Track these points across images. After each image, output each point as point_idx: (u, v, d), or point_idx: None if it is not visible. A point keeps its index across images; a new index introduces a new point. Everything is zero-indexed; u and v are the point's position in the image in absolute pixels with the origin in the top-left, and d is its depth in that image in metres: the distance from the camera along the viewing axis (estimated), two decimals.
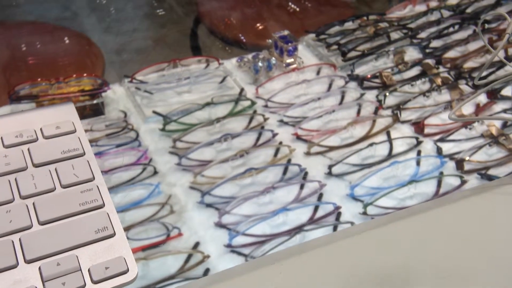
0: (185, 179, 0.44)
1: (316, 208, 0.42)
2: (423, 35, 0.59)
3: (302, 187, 0.43)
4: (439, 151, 0.46)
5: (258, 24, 0.64)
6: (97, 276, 0.22)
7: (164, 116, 0.48)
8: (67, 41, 0.66)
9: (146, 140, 0.47)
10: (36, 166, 0.26)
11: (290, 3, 0.65)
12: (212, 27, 0.68)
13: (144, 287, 0.35)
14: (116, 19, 0.62)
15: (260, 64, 0.52)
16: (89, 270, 0.23)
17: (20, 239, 0.23)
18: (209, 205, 0.42)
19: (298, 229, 0.40)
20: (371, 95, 0.52)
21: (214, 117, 0.49)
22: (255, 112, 0.50)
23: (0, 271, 0.22)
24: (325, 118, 0.49)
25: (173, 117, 0.48)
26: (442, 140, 0.47)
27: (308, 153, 0.46)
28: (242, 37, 0.61)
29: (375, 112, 0.50)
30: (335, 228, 0.40)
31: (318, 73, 0.55)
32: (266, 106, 0.50)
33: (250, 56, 0.55)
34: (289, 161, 0.46)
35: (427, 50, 0.57)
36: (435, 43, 0.58)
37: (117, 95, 0.51)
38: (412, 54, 0.57)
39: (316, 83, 0.53)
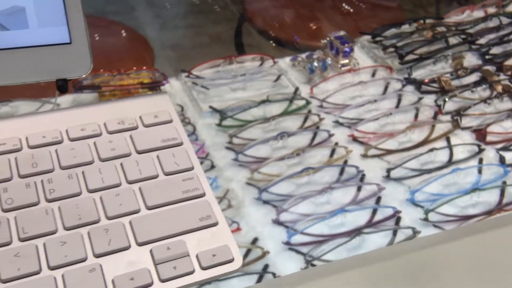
0: (241, 174, 0.44)
1: (374, 211, 0.41)
2: (482, 41, 0.58)
3: (359, 189, 0.43)
4: (502, 160, 0.45)
5: (311, 24, 0.64)
6: (206, 263, 0.23)
7: (221, 112, 0.49)
8: (118, 35, 0.68)
9: (202, 134, 0.47)
10: (139, 152, 0.27)
11: (343, 4, 0.65)
12: (260, 26, 0.68)
13: (206, 279, 0.35)
14: (169, 15, 0.63)
15: (315, 64, 0.52)
16: (197, 256, 0.23)
17: (130, 222, 0.24)
18: (266, 202, 0.42)
19: (358, 231, 0.39)
20: (428, 99, 0.51)
21: (268, 115, 0.49)
22: (309, 111, 0.50)
23: (115, 251, 0.23)
24: (382, 121, 0.48)
25: (229, 113, 0.49)
26: (505, 148, 0.46)
27: (364, 156, 0.45)
28: (296, 37, 0.61)
29: (434, 117, 0.49)
30: (394, 233, 0.40)
31: (373, 75, 0.54)
32: (321, 106, 0.50)
33: (304, 55, 0.55)
34: (345, 162, 0.45)
35: (487, 57, 0.55)
36: (495, 50, 0.56)
37: (173, 89, 0.52)
38: (470, 59, 0.56)
39: (372, 85, 0.52)
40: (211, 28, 0.62)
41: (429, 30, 0.57)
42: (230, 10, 0.65)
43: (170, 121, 0.29)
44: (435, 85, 0.52)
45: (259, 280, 0.36)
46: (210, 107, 0.49)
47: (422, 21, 0.58)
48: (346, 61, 0.53)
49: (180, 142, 0.28)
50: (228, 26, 0.63)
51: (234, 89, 0.52)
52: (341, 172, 0.44)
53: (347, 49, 0.52)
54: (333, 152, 0.46)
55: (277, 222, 0.40)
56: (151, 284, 0.21)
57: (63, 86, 0.29)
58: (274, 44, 0.61)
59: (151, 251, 0.23)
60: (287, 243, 0.38)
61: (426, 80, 0.52)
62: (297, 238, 0.39)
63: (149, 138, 0.27)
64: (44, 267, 0.22)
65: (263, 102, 0.50)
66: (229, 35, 0.62)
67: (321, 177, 0.44)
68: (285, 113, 0.49)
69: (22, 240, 0.23)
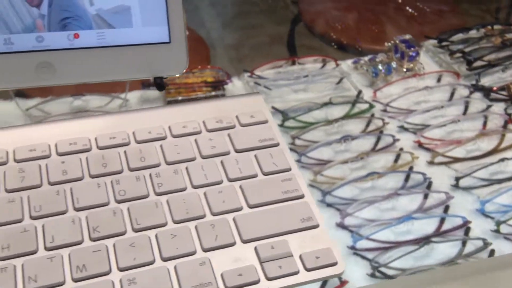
0: (304, 176, 0.44)
1: (442, 220, 0.40)
2: None
3: (426, 196, 0.42)
4: None
5: (372, 27, 0.63)
6: (310, 264, 0.23)
7: (283, 112, 0.49)
8: None
9: None
10: (237, 151, 0.27)
11: (407, 8, 0.63)
12: (315, 27, 0.68)
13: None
14: (230, 14, 0.64)
15: (380, 67, 0.51)
16: (300, 257, 0.23)
17: (234, 219, 0.24)
18: (329, 205, 0.42)
19: (426, 239, 0.38)
20: (497, 107, 0.49)
21: (330, 117, 0.49)
22: (373, 115, 0.49)
23: (222, 247, 0.23)
24: (449, 128, 0.47)
25: (291, 114, 0.49)
26: None
27: (431, 162, 0.45)
28: (357, 39, 0.60)
29: (504, 126, 0.47)
30: (464, 243, 0.39)
31: (438, 80, 0.53)
32: (384, 110, 0.49)
33: (366, 58, 0.54)
34: (410, 168, 0.44)
35: None
36: None
37: (236, 88, 0.53)
38: None
39: (438, 90, 0.51)
40: (271, 29, 0.62)
41: (498, 37, 0.55)
42: (291, 11, 0.66)
43: (266, 122, 0.29)
44: (504, 93, 0.50)
45: (324, 284, 0.36)
46: (273, 107, 0.49)
47: (490, 27, 0.56)
48: (411, 65, 0.52)
49: (277, 143, 0.28)
50: (288, 27, 0.64)
51: (295, 90, 0.53)
52: (407, 178, 0.43)
53: (413, 53, 0.52)
54: (397, 157, 0.45)
55: (342, 226, 0.40)
56: (258, 281, 0.22)
57: (160, 84, 0.30)
58: (335, 46, 0.61)
59: (255, 249, 0.23)
60: (352, 248, 0.38)
61: (495, 88, 0.50)
62: (363, 243, 0.39)
63: (246, 138, 0.28)
64: (157, 258, 0.23)
65: (325, 104, 0.49)
66: (286, 36, 0.63)
67: (385, 183, 0.43)
68: (348, 116, 0.49)
69: (135, 230, 0.24)
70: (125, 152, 0.27)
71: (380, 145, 0.46)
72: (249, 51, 0.60)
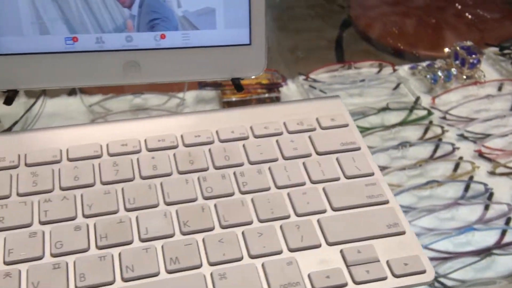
0: None
1: (503, 232, 0.39)
2: None
3: (487, 207, 0.41)
4: None
5: (431, 33, 0.62)
6: (398, 271, 0.23)
7: None
8: None
9: None
10: (319, 154, 0.28)
11: (466, 14, 0.62)
12: (369, 33, 0.67)
13: None
14: (286, 17, 0.65)
15: (439, 73, 0.51)
16: (387, 263, 0.23)
17: (318, 221, 0.25)
18: None
19: (488, 251, 0.38)
20: None
21: (386, 123, 0.48)
22: (431, 122, 0.49)
23: (308, 248, 0.24)
24: (510, 138, 0.46)
25: None
26: None
27: (492, 173, 0.44)
28: (415, 46, 0.60)
29: None
30: None
31: (499, 89, 0.52)
32: (443, 118, 0.49)
33: (424, 64, 0.54)
34: (471, 178, 0.44)
35: None
36: None
37: (290, 91, 0.53)
38: None
39: (499, 99, 0.50)
40: (326, 32, 0.62)
41: None
42: (347, 14, 0.66)
43: (347, 125, 0.29)
44: None
45: None
46: None
47: None
48: (471, 72, 0.51)
49: (358, 147, 0.28)
50: (348, 31, 0.64)
51: (351, 95, 0.53)
52: (466, 188, 0.43)
53: (474, 61, 0.51)
54: (457, 166, 0.44)
55: None
56: (346, 285, 0.22)
57: (239, 85, 0.30)
58: (391, 51, 0.60)
59: (341, 252, 0.24)
60: None
61: None
62: None
63: (327, 141, 0.28)
64: (245, 255, 0.24)
65: (382, 109, 0.49)
66: (346, 40, 0.63)
67: (444, 192, 0.43)
68: (405, 122, 0.49)
69: (223, 227, 0.25)
70: (209, 150, 0.28)
71: (438, 153, 0.46)
72: (302, 54, 0.60)
